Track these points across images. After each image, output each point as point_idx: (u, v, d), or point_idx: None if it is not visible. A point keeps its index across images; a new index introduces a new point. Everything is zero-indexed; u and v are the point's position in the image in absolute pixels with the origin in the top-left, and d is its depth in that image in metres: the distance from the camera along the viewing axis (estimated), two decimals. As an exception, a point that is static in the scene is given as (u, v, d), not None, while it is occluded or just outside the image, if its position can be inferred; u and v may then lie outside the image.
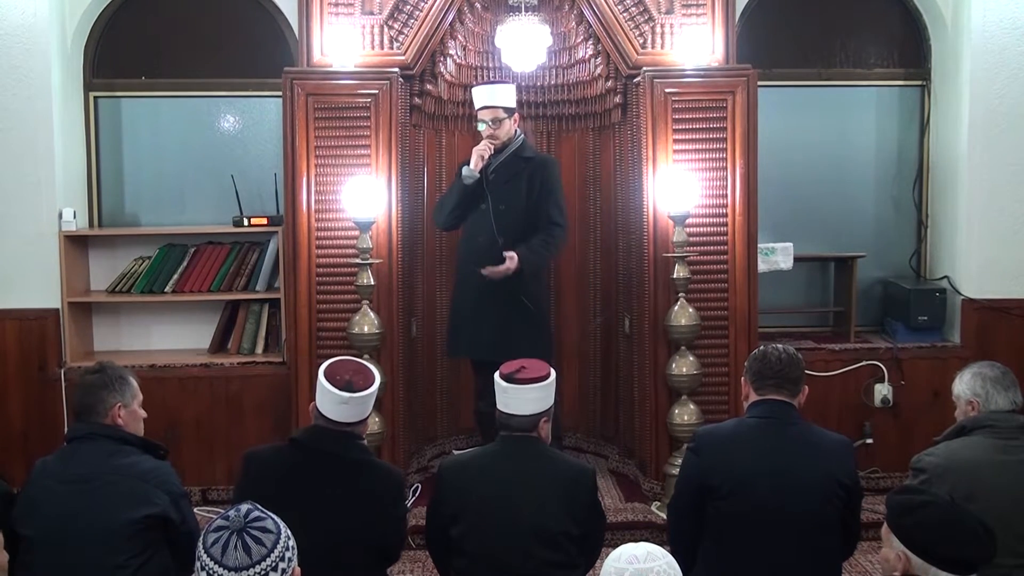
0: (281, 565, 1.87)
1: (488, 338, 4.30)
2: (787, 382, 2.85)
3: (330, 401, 2.73)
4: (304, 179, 4.31)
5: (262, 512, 1.92)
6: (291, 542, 1.92)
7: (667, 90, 4.33)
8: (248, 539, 1.86)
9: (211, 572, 1.84)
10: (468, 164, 4.32)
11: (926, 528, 2.09)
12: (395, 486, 2.82)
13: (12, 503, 2.71)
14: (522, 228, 4.33)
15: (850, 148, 5.09)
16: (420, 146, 4.77)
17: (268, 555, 1.86)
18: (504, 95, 4.35)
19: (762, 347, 2.95)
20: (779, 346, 2.93)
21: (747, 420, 2.88)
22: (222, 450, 4.56)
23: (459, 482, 2.85)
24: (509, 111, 4.35)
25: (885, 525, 2.17)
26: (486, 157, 4.29)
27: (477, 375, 4.51)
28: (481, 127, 4.35)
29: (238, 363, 4.66)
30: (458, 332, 4.49)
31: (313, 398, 2.83)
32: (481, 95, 4.35)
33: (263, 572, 1.85)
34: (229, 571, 1.84)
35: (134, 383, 2.90)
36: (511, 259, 4.22)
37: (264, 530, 1.88)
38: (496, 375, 2.92)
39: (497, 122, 4.31)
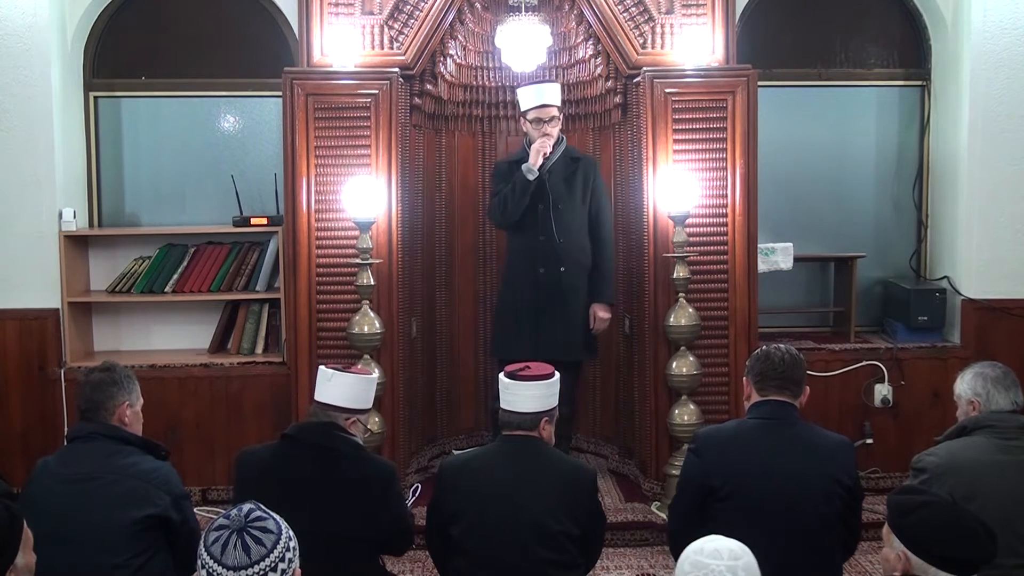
0: (281, 566, 1.87)
1: (552, 338, 4.29)
2: (789, 383, 2.85)
3: (318, 380, 2.91)
4: (304, 179, 4.31)
5: (264, 512, 1.92)
6: (292, 543, 1.92)
7: (667, 90, 4.33)
8: (248, 539, 1.86)
9: (211, 571, 1.85)
10: (524, 163, 4.26)
11: (927, 528, 2.09)
12: (383, 477, 2.84)
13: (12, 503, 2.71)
14: (578, 226, 4.40)
15: (850, 148, 5.09)
16: (420, 146, 4.76)
17: (267, 555, 1.86)
18: (556, 94, 4.38)
19: (764, 347, 2.95)
20: (781, 346, 2.93)
21: (748, 421, 2.88)
22: (222, 450, 4.55)
23: (459, 482, 2.86)
24: (560, 110, 4.39)
25: (886, 525, 2.17)
26: (547, 154, 4.28)
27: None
28: (530, 127, 4.31)
29: (238, 363, 4.66)
30: (514, 333, 4.40)
31: (314, 398, 2.94)
32: (538, 94, 4.33)
33: (262, 572, 1.85)
34: (228, 570, 1.84)
35: (138, 385, 2.93)
36: (603, 320, 4.43)
37: (264, 530, 1.88)
38: (501, 373, 2.95)
39: (555, 121, 4.33)
